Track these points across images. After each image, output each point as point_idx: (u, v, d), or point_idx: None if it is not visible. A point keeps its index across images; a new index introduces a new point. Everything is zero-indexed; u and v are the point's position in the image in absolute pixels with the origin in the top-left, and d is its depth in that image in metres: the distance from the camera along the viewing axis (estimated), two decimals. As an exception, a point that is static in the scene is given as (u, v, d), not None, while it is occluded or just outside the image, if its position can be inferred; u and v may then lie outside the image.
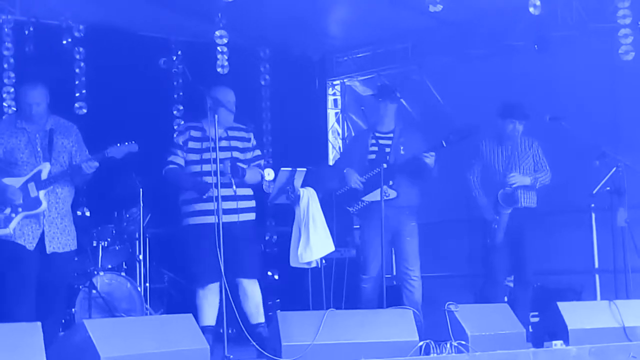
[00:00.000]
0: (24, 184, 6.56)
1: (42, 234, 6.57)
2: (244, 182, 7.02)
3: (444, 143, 7.71)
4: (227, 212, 6.78)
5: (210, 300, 6.86)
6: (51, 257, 6.59)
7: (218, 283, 6.58)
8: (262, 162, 7.28)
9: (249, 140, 7.19)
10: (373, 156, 7.93)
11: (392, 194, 7.78)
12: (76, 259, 8.03)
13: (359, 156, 7.98)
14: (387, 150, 7.94)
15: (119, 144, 6.68)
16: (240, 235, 6.87)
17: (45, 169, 6.61)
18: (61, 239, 6.66)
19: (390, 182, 7.76)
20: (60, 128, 6.80)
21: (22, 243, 6.53)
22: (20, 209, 6.53)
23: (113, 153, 6.68)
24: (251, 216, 7.12)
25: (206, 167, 6.84)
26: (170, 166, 7.09)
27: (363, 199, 7.84)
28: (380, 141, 7.97)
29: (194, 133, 7.08)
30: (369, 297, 7.82)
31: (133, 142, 6.75)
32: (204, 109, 6.88)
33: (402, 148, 7.90)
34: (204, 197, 6.91)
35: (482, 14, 9.34)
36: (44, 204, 6.56)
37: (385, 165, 7.65)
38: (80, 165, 6.61)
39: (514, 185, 7.83)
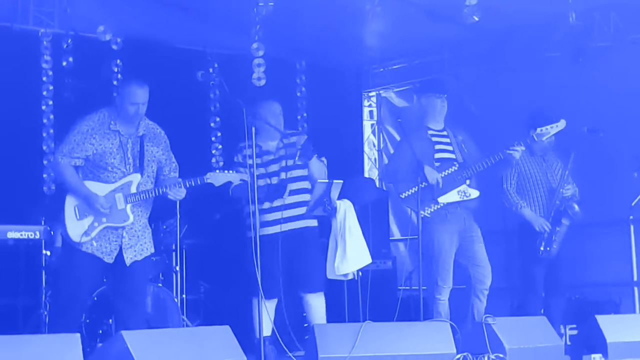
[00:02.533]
0: (111, 192, 6.26)
1: (120, 246, 6.30)
2: (309, 166, 7.00)
3: (535, 137, 7.48)
4: (291, 219, 6.88)
5: (270, 312, 6.85)
6: (131, 267, 6.32)
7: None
8: (324, 159, 7.20)
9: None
10: (440, 154, 7.54)
11: (474, 193, 7.44)
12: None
13: (422, 154, 7.41)
14: (450, 148, 7.58)
15: (218, 171, 6.43)
16: (305, 244, 6.91)
17: (136, 180, 6.33)
18: (139, 248, 6.38)
19: (468, 182, 7.47)
20: (151, 134, 6.51)
21: (99, 255, 6.24)
22: (104, 219, 6.23)
23: (212, 179, 6.43)
24: (314, 222, 7.11)
25: (274, 180, 6.97)
26: (239, 183, 6.98)
27: (438, 200, 7.40)
28: (439, 139, 7.59)
29: (249, 151, 7.07)
30: (446, 309, 7.45)
31: (233, 171, 6.55)
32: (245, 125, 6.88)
33: (464, 146, 7.60)
34: (284, 197, 6.93)
35: (518, 25, 9.30)
36: (131, 218, 6.30)
37: (456, 165, 7.37)
38: (167, 193, 6.38)
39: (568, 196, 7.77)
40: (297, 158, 7.02)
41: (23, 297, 7.98)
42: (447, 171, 7.44)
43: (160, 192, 6.40)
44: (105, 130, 6.32)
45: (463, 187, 7.44)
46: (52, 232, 7.71)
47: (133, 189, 6.31)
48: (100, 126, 6.33)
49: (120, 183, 6.30)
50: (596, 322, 6.94)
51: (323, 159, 7.16)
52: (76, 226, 6.22)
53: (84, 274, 6.24)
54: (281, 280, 6.73)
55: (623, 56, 8.93)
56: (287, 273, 6.89)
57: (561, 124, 7.48)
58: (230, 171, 6.51)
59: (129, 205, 6.29)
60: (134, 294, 6.34)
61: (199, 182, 6.38)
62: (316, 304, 6.97)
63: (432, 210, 7.43)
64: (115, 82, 9.36)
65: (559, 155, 8.01)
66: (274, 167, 7.06)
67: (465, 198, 7.42)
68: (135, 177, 6.33)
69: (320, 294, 7.00)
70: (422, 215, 7.30)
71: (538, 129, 7.48)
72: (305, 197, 7.06)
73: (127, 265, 6.29)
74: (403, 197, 7.49)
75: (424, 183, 7.32)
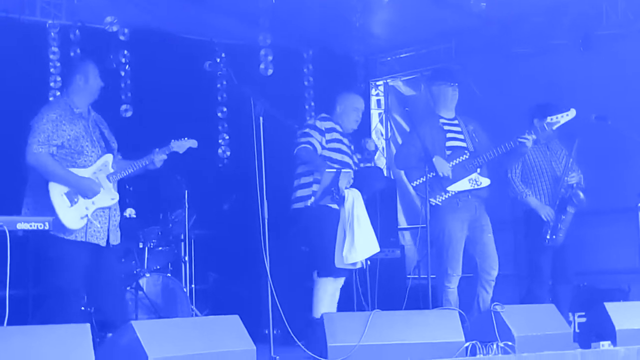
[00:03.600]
0: (93, 175, 6.37)
1: (108, 228, 6.41)
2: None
3: (546, 126, 7.47)
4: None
5: (335, 296, 6.95)
6: (113, 248, 6.46)
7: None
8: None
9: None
10: (451, 143, 7.61)
11: (485, 181, 7.49)
12: (123, 260, 8.14)
13: (432, 142, 7.50)
14: (461, 137, 7.63)
15: (181, 139, 6.68)
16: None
17: (110, 160, 6.46)
18: (117, 232, 6.52)
19: (478, 170, 7.51)
20: (95, 115, 6.64)
21: (94, 241, 6.31)
22: (93, 202, 6.31)
23: (176, 147, 6.68)
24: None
25: (346, 159, 7.11)
26: (306, 145, 7.14)
27: (448, 188, 7.46)
28: (451, 127, 7.64)
29: (335, 126, 7.28)
30: (456, 298, 7.55)
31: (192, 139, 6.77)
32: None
33: (474, 135, 7.64)
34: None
35: (526, 13, 9.28)
36: (116, 197, 6.45)
37: (467, 154, 7.45)
38: (153, 158, 6.56)
39: (574, 184, 7.78)
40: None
41: (33, 287, 8.02)
42: (458, 159, 7.50)
43: (143, 164, 6.58)
44: (70, 115, 6.39)
45: (474, 175, 7.50)
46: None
47: (110, 169, 6.45)
48: (65, 112, 6.40)
49: (98, 165, 6.42)
50: (605, 309, 6.94)
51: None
52: (70, 213, 6.23)
53: (80, 264, 6.24)
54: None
55: (631, 44, 8.90)
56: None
57: (571, 113, 7.48)
58: (189, 139, 6.75)
59: (112, 185, 6.44)
60: (113, 276, 6.51)
61: (166, 152, 6.63)
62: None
63: (443, 198, 7.46)
64: (122, 73, 9.37)
65: (564, 142, 8.00)
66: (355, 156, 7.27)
67: (476, 186, 7.48)
68: (109, 157, 6.48)
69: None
70: (434, 204, 7.35)
71: (548, 118, 7.49)
72: None
73: (112, 246, 6.42)
74: (414, 185, 7.53)
75: (432, 173, 7.35)
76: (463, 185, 7.48)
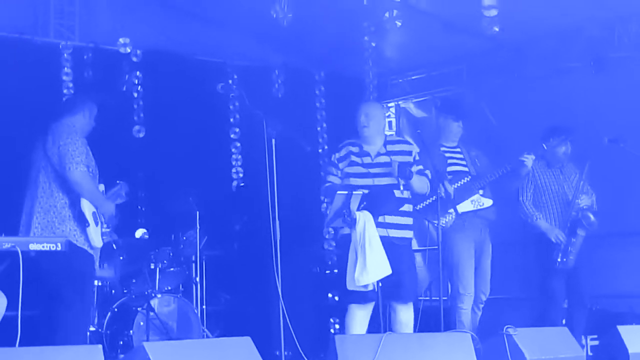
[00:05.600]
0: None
1: None
2: (411, 185, 6.99)
3: (545, 146, 7.62)
4: (390, 226, 6.88)
5: (365, 321, 6.89)
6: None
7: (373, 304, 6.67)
8: (428, 173, 7.20)
9: (410, 153, 7.13)
10: (452, 167, 7.75)
11: (487, 202, 7.64)
12: (134, 280, 8.14)
13: (434, 168, 7.50)
14: (463, 162, 7.82)
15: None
16: (401, 254, 6.90)
17: (102, 188, 6.73)
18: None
19: (481, 192, 7.65)
20: None
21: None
22: (107, 225, 6.68)
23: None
24: (409, 234, 7.12)
25: (378, 181, 6.97)
26: (327, 184, 7.15)
27: (450, 211, 7.57)
28: (452, 154, 7.84)
29: (351, 149, 7.16)
30: (469, 319, 7.62)
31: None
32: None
33: (477, 160, 7.82)
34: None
35: (538, 36, 9.29)
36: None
37: (468, 177, 7.55)
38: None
39: (584, 207, 7.78)
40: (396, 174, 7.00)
41: (45, 308, 8.02)
42: (459, 182, 7.60)
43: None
44: (83, 139, 6.56)
45: (476, 196, 7.62)
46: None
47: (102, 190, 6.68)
48: (82, 135, 6.58)
49: (101, 187, 6.68)
50: (618, 332, 6.92)
51: (427, 171, 7.17)
52: (97, 232, 6.42)
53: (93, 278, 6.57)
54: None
55: (643, 66, 8.90)
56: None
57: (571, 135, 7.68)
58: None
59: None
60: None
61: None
62: (406, 316, 7.02)
63: (447, 220, 7.58)
64: (135, 95, 9.40)
65: (578, 165, 8.00)
66: (375, 170, 7.08)
67: (479, 207, 7.60)
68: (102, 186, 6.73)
69: (410, 305, 7.04)
70: (442, 226, 7.40)
71: (551, 140, 7.55)
72: (407, 207, 7.08)
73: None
74: (418, 208, 7.59)
75: (433, 196, 7.41)
76: (466, 206, 7.60)
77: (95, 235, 6.41)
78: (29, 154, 6.66)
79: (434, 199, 7.45)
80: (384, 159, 7.10)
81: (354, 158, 7.13)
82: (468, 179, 7.71)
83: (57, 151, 6.38)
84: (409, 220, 7.12)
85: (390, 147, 7.17)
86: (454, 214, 7.56)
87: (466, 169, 7.82)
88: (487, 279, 7.84)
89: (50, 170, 6.43)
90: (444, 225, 7.52)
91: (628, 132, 8.38)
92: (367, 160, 7.11)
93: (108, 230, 6.70)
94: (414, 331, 7.25)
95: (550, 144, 7.71)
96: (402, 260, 6.91)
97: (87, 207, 6.39)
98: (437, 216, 7.36)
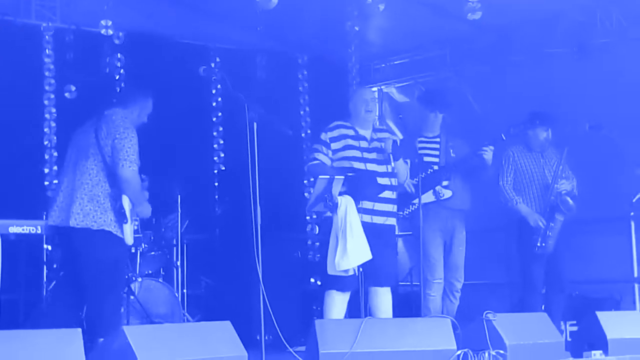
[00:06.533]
0: None
1: None
2: (397, 167, 7.16)
3: (503, 136, 7.71)
4: (375, 212, 6.96)
5: (342, 307, 6.93)
6: None
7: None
8: (409, 161, 7.35)
9: (395, 142, 7.22)
10: (425, 158, 7.86)
11: (447, 193, 7.75)
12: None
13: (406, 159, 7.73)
14: (436, 153, 7.90)
15: None
16: (383, 239, 6.95)
17: None
18: None
19: (445, 183, 7.76)
20: None
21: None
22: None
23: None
24: (393, 221, 7.22)
25: (371, 167, 7.04)
26: (314, 162, 7.15)
27: (414, 201, 7.67)
28: (428, 145, 7.94)
29: (345, 131, 7.16)
30: (437, 306, 7.72)
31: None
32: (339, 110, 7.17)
33: (451, 151, 7.88)
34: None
35: (521, 21, 9.29)
36: None
37: (436, 167, 7.65)
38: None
39: (563, 192, 7.82)
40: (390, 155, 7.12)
41: (24, 292, 8.00)
42: (423, 174, 7.66)
43: None
44: (136, 135, 6.55)
45: (438, 187, 7.74)
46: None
47: None
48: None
49: None
50: (597, 318, 6.94)
51: (408, 160, 7.30)
52: (130, 229, 6.45)
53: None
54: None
55: (625, 52, 8.90)
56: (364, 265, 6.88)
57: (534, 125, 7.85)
58: None
59: None
60: None
61: None
62: (384, 299, 7.05)
63: (409, 211, 7.78)
64: (117, 77, 9.36)
65: (559, 151, 8.03)
66: (371, 155, 7.14)
67: (440, 198, 7.72)
68: None
69: (388, 289, 7.09)
70: (401, 216, 7.69)
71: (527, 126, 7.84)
72: (391, 194, 7.15)
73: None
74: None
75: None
76: (428, 197, 7.70)
77: (130, 233, 6.43)
78: (72, 137, 6.62)
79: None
80: (377, 144, 7.17)
81: (351, 142, 7.11)
82: (431, 171, 7.79)
83: (111, 143, 6.35)
84: (393, 207, 7.18)
85: (379, 135, 7.25)
86: (415, 205, 7.66)
87: (436, 159, 7.90)
88: (459, 267, 7.89)
89: (100, 159, 6.37)
90: (406, 215, 7.75)
91: (610, 118, 8.41)
92: (363, 144, 7.12)
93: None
94: (394, 315, 7.28)
95: (543, 134, 7.84)
96: (383, 245, 6.96)
97: (127, 204, 6.39)
98: (401, 207, 7.57)
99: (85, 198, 6.32)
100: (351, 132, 7.16)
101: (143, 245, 8.25)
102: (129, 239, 6.45)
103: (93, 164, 6.37)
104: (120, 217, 6.35)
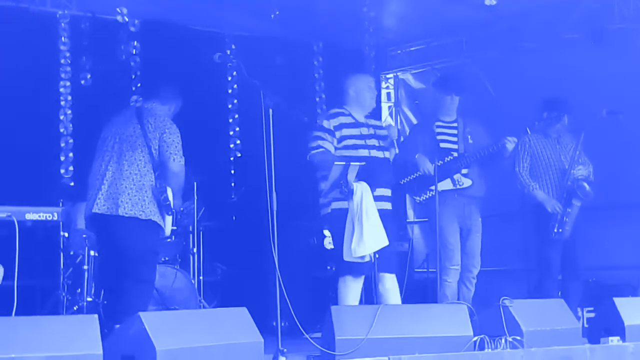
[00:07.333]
0: None
1: None
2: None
3: (528, 130, 7.75)
4: (377, 198, 6.93)
5: (357, 293, 6.94)
6: None
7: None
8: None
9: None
10: (442, 145, 7.83)
11: (467, 182, 7.74)
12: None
13: (424, 145, 7.80)
14: (454, 139, 7.87)
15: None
16: (386, 225, 6.92)
17: None
18: None
19: (464, 171, 7.74)
20: None
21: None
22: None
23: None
24: (390, 205, 7.21)
25: (374, 153, 7.06)
26: (319, 150, 7.13)
27: (431, 187, 7.58)
28: (446, 130, 7.90)
29: (344, 119, 7.16)
30: (454, 292, 7.70)
31: None
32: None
33: (469, 137, 7.86)
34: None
35: (536, 7, 9.26)
36: None
37: (455, 154, 7.65)
38: None
39: (580, 177, 7.80)
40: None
41: (41, 278, 8.03)
42: (442, 161, 7.61)
43: None
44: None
45: (457, 175, 7.71)
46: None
47: None
48: None
49: None
50: (614, 304, 6.92)
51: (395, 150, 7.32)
52: (170, 221, 6.65)
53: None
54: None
55: (642, 38, 8.87)
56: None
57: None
58: None
59: None
60: None
61: None
62: (393, 285, 7.05)
63: (426, 196, 7.71)
64: (132, 64, 9.36)
65: (576, 136, 8.00)
66: (373, 142, 7.16)
67: (459, 186, 7.70)
68: None
69: (393, 276, 7.08)
70: (418, 201, 7.75)
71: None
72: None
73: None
74: (402, 182, 7.76)
75: (417, 172, 7.67)
76: (446, 185, 7.68)
77: (169, 224, 6.62)
78: (109, 127, 6.70)
79: (418, 174, 7.65)
80: (379, 131, 7.17)
81: (352, 131, 7.11)
82: (451, 158, 7.76)
83: (159, 136, 6.53)
84: (390, 192, 7.22)
85: (373, 122, 7.32)
86: (432, 192, 7.59)
87: (455, 146, 7.87)
88: (476, 254, 7.86)
89: (147, 152, 6.51)
90: (422, 201, 7.74)
91: (627, 104, 8.36)
92: (364, 131, 7.11)
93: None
94: (410, 302, 7.28)
95: (559, 119, 7.82)
96: (388, 232, 6.94)
97: (170, 197, 6.52)
98: (419, 192, 7.66)
99: (134, 188, 6.45)
100: (350, 120, 7.14)
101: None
102: (168, 230, 6.62)
103: (141, 156, 6.51)
104: (166, 209, 6.49)
